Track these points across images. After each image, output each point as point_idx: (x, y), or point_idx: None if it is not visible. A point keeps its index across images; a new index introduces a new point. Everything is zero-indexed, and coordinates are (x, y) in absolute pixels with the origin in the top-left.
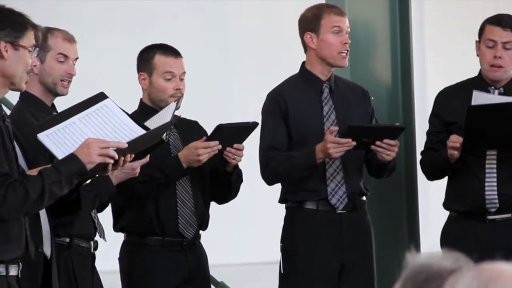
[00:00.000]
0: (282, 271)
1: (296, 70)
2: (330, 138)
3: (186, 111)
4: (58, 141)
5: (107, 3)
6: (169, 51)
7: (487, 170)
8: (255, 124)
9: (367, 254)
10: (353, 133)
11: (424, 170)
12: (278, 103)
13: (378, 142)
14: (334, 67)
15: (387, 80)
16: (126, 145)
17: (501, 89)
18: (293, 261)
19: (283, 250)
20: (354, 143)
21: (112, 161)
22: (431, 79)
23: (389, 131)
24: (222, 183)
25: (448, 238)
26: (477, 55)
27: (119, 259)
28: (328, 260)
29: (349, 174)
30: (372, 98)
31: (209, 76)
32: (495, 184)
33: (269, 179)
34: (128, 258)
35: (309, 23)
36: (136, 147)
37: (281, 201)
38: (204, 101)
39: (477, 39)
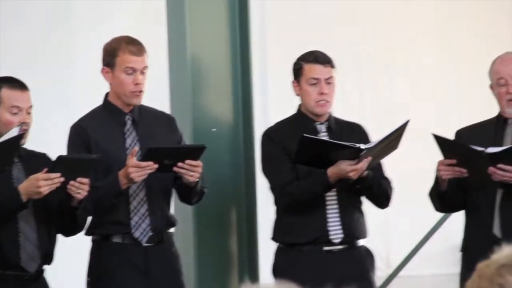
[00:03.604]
0: None
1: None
2: (132, 162)
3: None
4: None
5: None
6: (16, 84)
7: (327, 202)
8: (97, 157)
9: (176, 286)
10: (154, 156)
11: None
12: (80, 136)
13: (180, 164)
14: (129, 104)
15: (228, 114)
16: None
17: (326, 123)
18: None
19: (90, 284)
20: (156, 165)
21: None
22: (272, 111)
23: (190, 152)
24: (67, 216)
25: (283, 270)
26: (297, 95)
27: None
28: None
29: (154, 206)
30: (214, 129)
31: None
32: (338, 215)
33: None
34: None
35: (107, 57)
36: None
37: (87, 233)
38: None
39: (293, 79)
